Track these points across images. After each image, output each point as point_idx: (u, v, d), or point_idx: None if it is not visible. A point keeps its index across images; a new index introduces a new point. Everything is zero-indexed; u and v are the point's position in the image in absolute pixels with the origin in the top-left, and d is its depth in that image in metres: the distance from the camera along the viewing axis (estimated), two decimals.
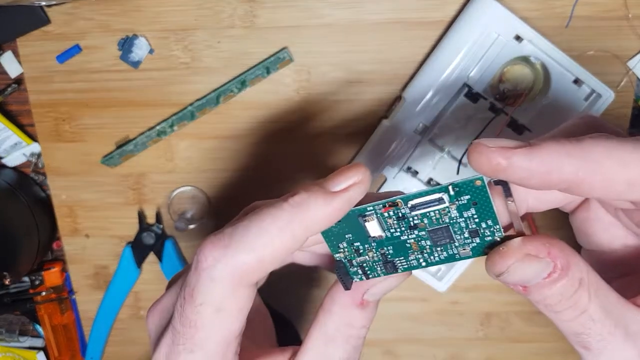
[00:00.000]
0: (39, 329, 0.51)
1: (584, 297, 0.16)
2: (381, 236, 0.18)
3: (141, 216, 0.46)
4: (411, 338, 0.48)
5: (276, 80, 0.42)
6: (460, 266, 0.43)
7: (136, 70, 0.42)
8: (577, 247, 0.22)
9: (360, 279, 0.19)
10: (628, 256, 0.20)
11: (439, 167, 0.42)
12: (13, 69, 0.44)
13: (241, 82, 0.42)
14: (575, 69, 0.38)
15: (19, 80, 0.44)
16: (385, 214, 0.18)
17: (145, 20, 0.41)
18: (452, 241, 0.18)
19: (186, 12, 0.41)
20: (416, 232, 0.18)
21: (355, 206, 0.18)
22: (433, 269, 0.44)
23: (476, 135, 0.40)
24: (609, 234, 0.20)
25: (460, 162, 0.41)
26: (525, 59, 0.39)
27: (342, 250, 0.19)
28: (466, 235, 0.18)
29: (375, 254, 0.19)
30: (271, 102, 0.43)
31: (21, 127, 0.45)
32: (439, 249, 0.18)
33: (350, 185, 0.18)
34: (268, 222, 0.17)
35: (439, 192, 0.17)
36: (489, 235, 0.18)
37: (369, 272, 0.19)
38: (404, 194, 0.18)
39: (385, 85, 0.42)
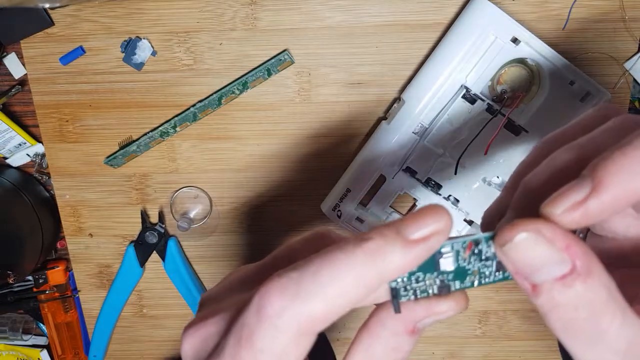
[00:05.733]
0: (43, 327, 0.51)
1: (606, 317, 0.14)
2: (452, 270, 0.18)
3: (144, 216, 0.46)
4: None
5: (277, 82, 0.43)
6: None
7: (139, 72, 0.43)
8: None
9: (408, 299, 0.19)
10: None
11: (438, 168, 0.42)
12: (17, 70, 0.44)
13: (242, 83, 0.42)
14: (572, 71, 0.38)
15: (22, 82, 0.45)
16: (464, 253, 0.17)
17: (148, 23, 0.42)
18: None
19: (189, 15, 0.42)
20: (484, 261, 0.18)
21: None
22: None
23: (474, 136, 0.40)
24: (625, 222, 0.19)
25: (457, 163, 0.41)
26: (522, 61, 0.39)
27: (400, 279, 0.18)
28: None
29: (433, 281, 0.18)
30: (272, 103, 0.43)
31: (25, 127, 0.46)
32: (498, 272, 0.18)
33: (431, 234, 0.16)
34: (341, 271, 0.16)
35: None
36: None
37: (420, 293, 0.18)
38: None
39: (384, 87, 0.43)
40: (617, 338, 0.14)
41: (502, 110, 0.40)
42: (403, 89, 0.42)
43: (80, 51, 0.42)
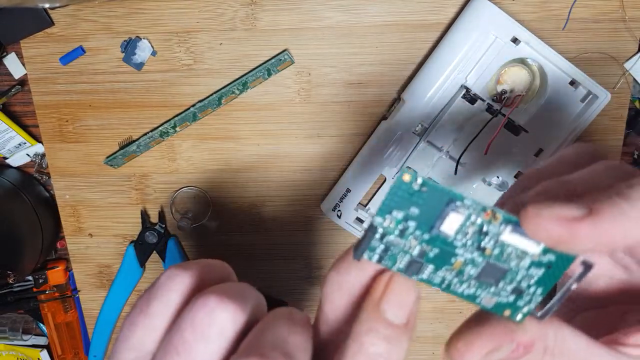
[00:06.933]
0: (43, 327, 0.51)
1: None
2: (446, 236, 0.16)
3: (144, 216, 0.46)
4: None
5: (277, 82, 0.43)
6: None
7: (139, 72, 0.43)
8: None
9: (370, 258, 0.17)
10: (611, 289, 0.20)
11: (438, 167, 0.42)
12: (17, 70, 0.44)
13: (242, 83, 0.42)
14: (572, 71, 0.39)
15: (22, 82, 0.45)
16: (473, 219, 0.16)
17: (148, 23, 0.42)
18: (492, 285, 0.17)
19: (189, 15, 0.42)
20: (476, 255, 0.17)
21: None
22: None
23: (474, 136, 0.40)
24: (596, 266, 0.20)
25: (457, 162, 0.41)
26: (522, 61, 0.39)
27: (390, 218, 0.16)
28: (509, 289, 0.17)
29: (416, 247, 0.17)
30: (272, 103, 0.43)
31: (25, 128, 0.46)
32: (472, 281, 0.17)
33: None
34: None
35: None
36: (525, 302, 0.17)
37: (388, 258, 0.17)
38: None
39: (384, 87, 0.43)
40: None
41: (502, 110, 0.40)
42: (403, 89, 0.42)
43: (80, 51, 0.42)
